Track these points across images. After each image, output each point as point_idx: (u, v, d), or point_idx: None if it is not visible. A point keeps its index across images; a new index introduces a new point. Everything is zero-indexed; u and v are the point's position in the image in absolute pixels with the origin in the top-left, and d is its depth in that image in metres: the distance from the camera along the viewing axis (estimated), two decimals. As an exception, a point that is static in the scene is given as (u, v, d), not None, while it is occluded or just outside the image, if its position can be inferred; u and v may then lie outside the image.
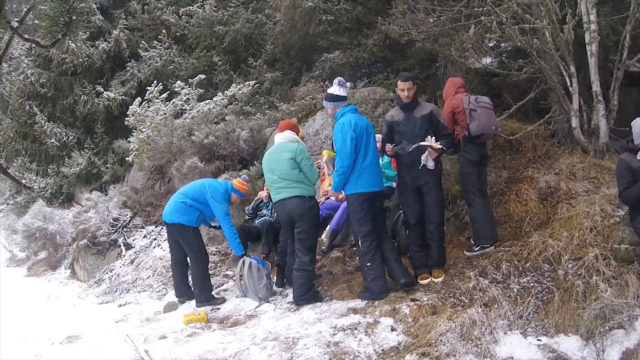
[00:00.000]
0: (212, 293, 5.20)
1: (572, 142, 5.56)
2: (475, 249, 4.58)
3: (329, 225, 5.62)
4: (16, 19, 2.77)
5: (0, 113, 11.85)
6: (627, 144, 3.75)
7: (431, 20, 6.36)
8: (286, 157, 4.69)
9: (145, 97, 8.16)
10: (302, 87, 7.96)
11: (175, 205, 5.18)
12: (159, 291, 5.90)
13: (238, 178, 5.62)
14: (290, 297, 4.88)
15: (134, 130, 8.19)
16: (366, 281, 4.43)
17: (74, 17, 2.68)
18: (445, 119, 4.58)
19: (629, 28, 5.00)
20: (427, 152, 4.30)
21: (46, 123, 10.59)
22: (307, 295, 4.61)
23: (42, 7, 2.79)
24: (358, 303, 4.40)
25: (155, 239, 7.33)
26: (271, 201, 5.26)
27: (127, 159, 8.62)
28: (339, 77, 4.70)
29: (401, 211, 4.97)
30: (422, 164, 4.32)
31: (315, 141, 6.75)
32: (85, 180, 10.43)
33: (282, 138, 4.90)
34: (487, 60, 6.94)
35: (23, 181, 11.26)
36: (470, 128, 4.53)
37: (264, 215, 6.10)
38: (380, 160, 5.39)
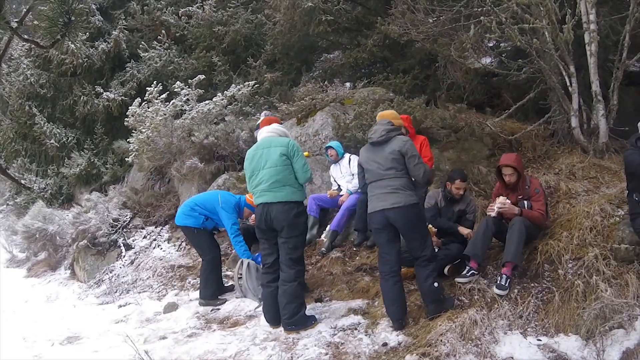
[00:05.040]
0: (217, 294, 5.15)
1: (571, 141, 5.56)
2: None
3: (329, 226, 5.61)
4: (15, 20, 2.77)
5: (0, 114, 11.84)
6: (636, 143, 3.51)
7: (431, 20, 6.37)
8: (277, 153, 4.05)
9: (144, 98, 8.15)
10: (302, 88, 7.95)
11: (182, 209, 5.30)
12: (158, 292, 5.89)
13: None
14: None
15: (133, 131, 8.18)
16: None
17: (73, 18, 2.68)
18: None
19: (629, 28, 5.01)
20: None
21: (46, 124, 10.57)
22: (295, 319, 3.99)
23: (42, 7, 2.79)
24: (358, 303, 4.41)
25: (155, 240, 7.32)
26: None
27: (126, 159, 8.61)
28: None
29: None
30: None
31: (315, 141, 6.73)
32: (85, 181, 10.42)
33: (270, 132, 4.22)
34: (486, 60, 6.95)
35: (23, 182, 11.23)
36: None
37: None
38: None
